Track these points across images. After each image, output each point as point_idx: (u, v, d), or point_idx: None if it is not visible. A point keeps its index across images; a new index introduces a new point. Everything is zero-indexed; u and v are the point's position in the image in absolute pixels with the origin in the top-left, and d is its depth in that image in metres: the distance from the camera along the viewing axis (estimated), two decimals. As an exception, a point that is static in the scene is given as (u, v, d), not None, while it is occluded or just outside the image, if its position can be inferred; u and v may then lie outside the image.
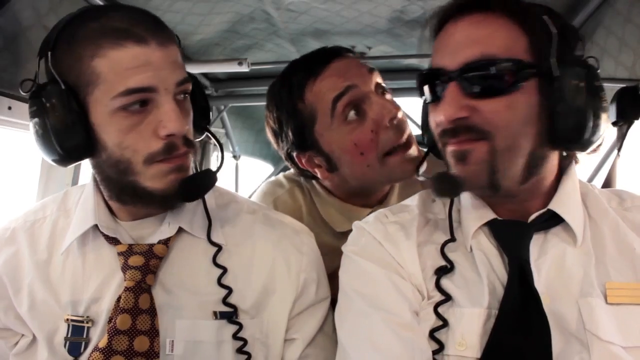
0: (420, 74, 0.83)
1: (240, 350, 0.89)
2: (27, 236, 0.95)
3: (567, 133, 0.76)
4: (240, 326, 0.90)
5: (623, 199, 0.89)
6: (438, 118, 0.80)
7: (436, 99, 0.81)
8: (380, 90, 1.17)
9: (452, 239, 0.86)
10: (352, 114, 1.13)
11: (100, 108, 0.80)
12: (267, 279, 0.94)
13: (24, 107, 1.22)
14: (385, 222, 0.93)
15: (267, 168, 2.85)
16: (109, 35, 0.79)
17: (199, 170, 0.92)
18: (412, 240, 0.88)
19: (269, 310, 0.93)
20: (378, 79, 1.17)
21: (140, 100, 0.80)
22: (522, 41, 0.76)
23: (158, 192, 0.85)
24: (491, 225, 0.85)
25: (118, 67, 0.78)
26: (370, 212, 1.24)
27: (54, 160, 0.85)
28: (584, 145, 0.78)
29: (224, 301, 0.90)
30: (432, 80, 0.82)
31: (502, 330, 0.77)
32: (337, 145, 1.16)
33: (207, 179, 0.90)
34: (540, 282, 0.79)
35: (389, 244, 0.88)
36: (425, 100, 0.86)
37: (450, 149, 0.80)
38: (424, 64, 1.90)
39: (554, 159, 0.84)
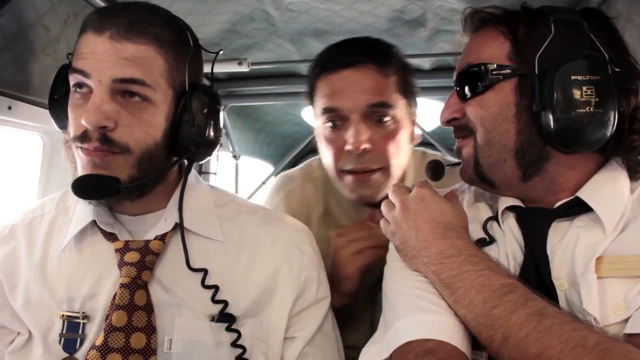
0: None
1: (239, 357, 0.89)
2: (25, 232, 0.96)
3: (548, 131, 0.77)
4: (239, 335, 0.89)
5: None
6: None
7: None
8: (375, 116, 1.14)
9: (495, 217, 0.88)
10: (333, 123, 1.17)
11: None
12: (268, 278, 0.94)
13: (24, 107, 1.23)
14: None
15: (267, 168, 2.84)
16: (90, 22, 0.85)
17: (182, 176, 0.94)
18: None
19: (270, 309, 0.93)
20: (382, 97, 1.13)
21: (79, 83, 0.85)
22: (504, 47, 0.81)
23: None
24: (517, 212, 0.86)
25: (77, 49, 0.86)
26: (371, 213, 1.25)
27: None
28: (570, 143, 0.77)
29: (222, 313, 0.89)
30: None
31: None
32: (317, 133, 1.24)
33: (101, 183, 0.83)
34: (553, 267, 0.79)
35: None
36: None
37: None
38: (424, 64, 1.90)
39: (571, 159, 0.81)
